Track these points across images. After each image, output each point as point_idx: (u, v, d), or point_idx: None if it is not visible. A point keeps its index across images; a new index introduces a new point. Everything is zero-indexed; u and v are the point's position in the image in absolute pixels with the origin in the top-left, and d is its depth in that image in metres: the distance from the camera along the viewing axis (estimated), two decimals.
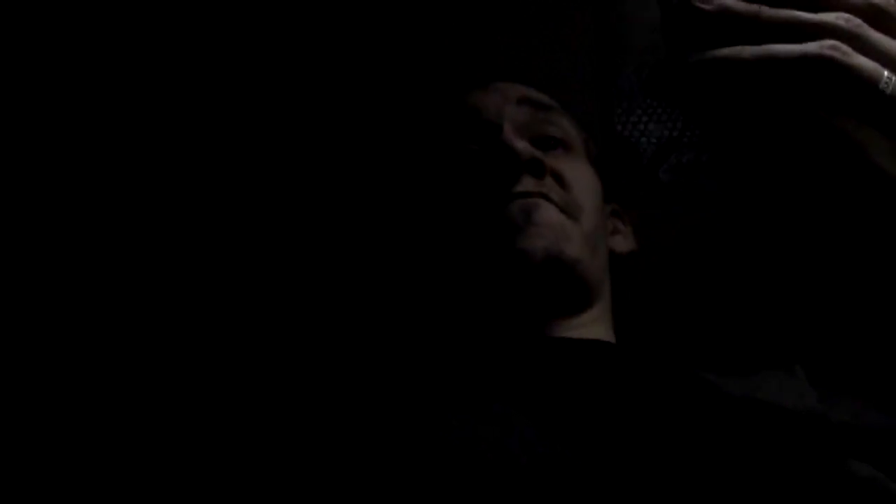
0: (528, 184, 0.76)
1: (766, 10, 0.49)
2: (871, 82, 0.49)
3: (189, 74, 0.99)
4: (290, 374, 0.72)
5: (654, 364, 0.71)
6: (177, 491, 0.61)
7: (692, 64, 0.50)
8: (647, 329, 0.87)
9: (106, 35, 0.97)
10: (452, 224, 0.77)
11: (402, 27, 1.03)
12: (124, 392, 0.78)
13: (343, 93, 1.02)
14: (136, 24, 0.98)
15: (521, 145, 0.76)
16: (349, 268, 0.97)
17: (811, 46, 0.49)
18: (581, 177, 0.81)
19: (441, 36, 1.03)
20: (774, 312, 1.02)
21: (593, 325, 0.78)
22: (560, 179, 0.79)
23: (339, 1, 1.01)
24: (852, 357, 0.92)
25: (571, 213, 0.77)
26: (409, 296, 0.84)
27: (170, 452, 0.63)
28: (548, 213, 0.75)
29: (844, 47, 0.49)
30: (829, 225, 0.95)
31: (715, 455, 0.58)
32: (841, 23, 0.49)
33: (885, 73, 0.49)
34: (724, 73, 0.49)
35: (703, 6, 0.50)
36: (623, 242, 0.88)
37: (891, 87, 0.49)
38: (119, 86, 0.97)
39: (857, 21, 0.49)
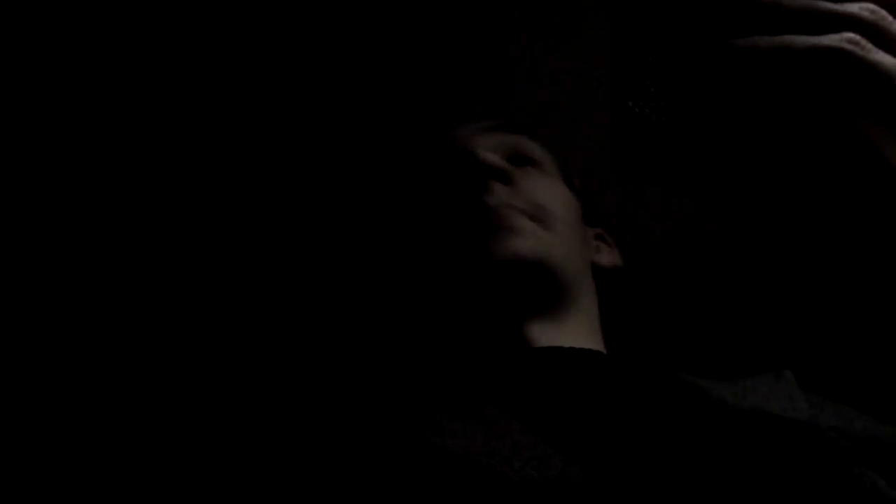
0: (498, 193, 0.75)
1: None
2: (889, 78, 0.47)
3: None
4: (280, 381, 0.72)
5: (644, 371, 0.70)
6: (172, 493, 0.60)
7: (707, 54, 0.47)
8: (636, 336, 0.86)
9: (106, 35, 0.96)
10: (426, 236, 0.77)
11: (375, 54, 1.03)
12: (124, 392, 0.78)
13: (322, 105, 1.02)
14: (137, 24, 0.97)
15: (490, 156, 0.77)
16: (337, 273, 0.97)
17: (830, 39, 0.47)
18: (554, 192, 0.81)
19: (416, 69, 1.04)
20: (764, 317, 1.01)
21: (580, 335, 0.77)
22: (531, 193, 0.78)
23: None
24: (841, 362, 0.91)
25: (541, 219, 0.76)
26: (396, 302, 0.83)
27: (164, 456, 0.62)
28: (518, 221, 0.74)
29: (864, 41, 0.47)
30: (827, 226, 0.94)
31: (706, 461, 0.57)
32: (865, 14, 0.47)
33: None
34: (739, 65, 0.47)
35: None
36: (607, 257, 0.87)
37: None
38: (119, 86, 0.97)
39: (882, 13, 0.47)
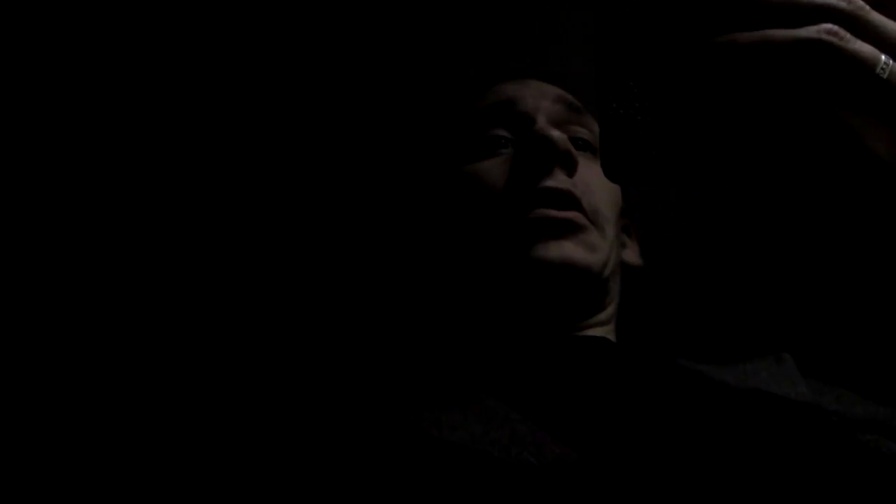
0: (559, 179, 0.74)
1: None
2: (868, 67, 0.47)
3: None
4: (288, 372, 0.71)
5: (649, 359, 0.70)
6: (171, 492, 0.60)
7: (688, 52, 0.48)
8: (640, 321, 0.86)
9: (106, 35, 0.96)
10: (476, 215, 0.75)
11: (437, 20, 1.01)
12: (124, 392, 0.78)
13: (366, 84, 1.01)
14: (137, 24, 0.97)
15: (557, 135, 0.74)
16: (353, 261, 0.96)
17: (808, 31, 0.47)
18: (608, 189, 0.79)
19: (477, 33, 1.02)
20: (764, 302, 1.01)
21: (599, 327, 0.78)
22: (590, 188, 0.76)
23: None
24: (840, 346, 0.92)
25: (596, 222, 0.76)
26: (414, 291, 0.83)
27: (163, 454, 0.63)
28: (576, 221, 0.73)
29: (842, 31, 0.47)
30: (821, 213, 0.94)
31: (710, 447, 0.58)
32: (842, 4, 0.47)
33: (883, 57, 0.48)
34: (720, 61, 0.48)
35: None
36: (633, 255, 0.87)
37: (888, 73, 0.47)
38: (119, 86, 0.97)
39: (859, 3, 0.48)
